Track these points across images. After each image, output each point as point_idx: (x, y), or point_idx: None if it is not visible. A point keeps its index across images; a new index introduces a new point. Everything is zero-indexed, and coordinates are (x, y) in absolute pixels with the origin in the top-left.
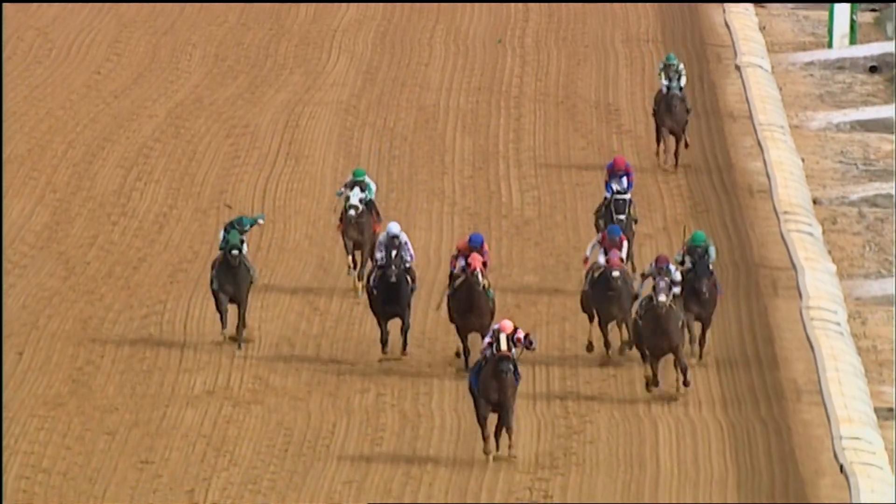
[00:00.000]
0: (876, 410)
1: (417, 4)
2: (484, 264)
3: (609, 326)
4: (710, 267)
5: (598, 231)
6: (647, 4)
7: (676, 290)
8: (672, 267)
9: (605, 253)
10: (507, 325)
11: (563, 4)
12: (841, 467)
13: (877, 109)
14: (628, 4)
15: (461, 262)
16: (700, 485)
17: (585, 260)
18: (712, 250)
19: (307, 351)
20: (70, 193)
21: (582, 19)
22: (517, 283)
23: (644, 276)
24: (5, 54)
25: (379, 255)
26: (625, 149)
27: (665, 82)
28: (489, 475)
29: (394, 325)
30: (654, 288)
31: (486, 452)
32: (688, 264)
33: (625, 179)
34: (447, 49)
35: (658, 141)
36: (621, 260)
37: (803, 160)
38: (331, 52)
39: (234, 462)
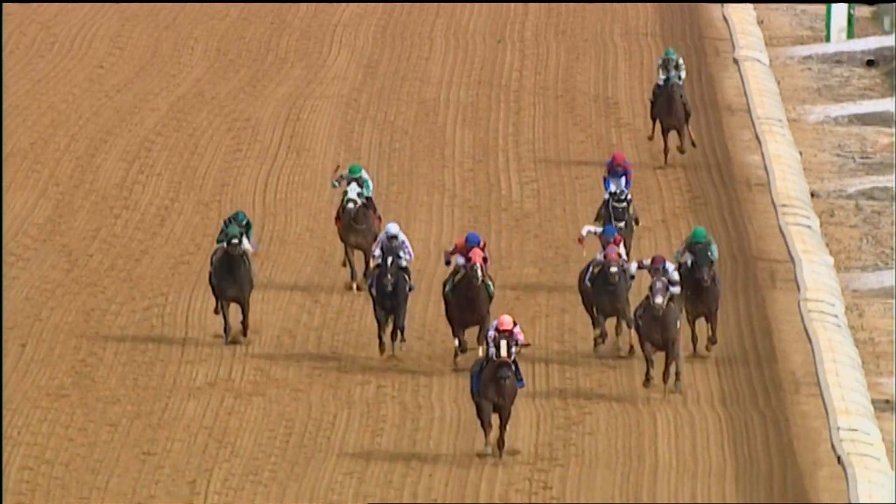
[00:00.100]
0: (873, 402)
1: None
2: (485, 260)
3: (606, 321)
4: (713, 260)
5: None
6: None
7: (675, 289)
8: (670, 266)
9: (604, 247)
10: (507, 320)
11: None
12: (838, 458)
13: (874, 103)
14: None
15: (460, 259)
16: (699, 476)
17: (581, 239)
18: (714, 248)
19: (308, 343)
20: (73, 186)
21: (581, 13)
22: (517, 276)
23: (640, 267)
24: (8, 48)
25: (377, 252)
26: (623, 142)
27: (663, 76)
28: (489, 466)
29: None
30: (650, 289)
31: (487, 445)
32: (688, 261)
33: (623, 179)
34: (447, 43)
35: (654, 130)
36: (619, 254)
37: (801, 153)
38: (331, 46)
39: (235, 453)
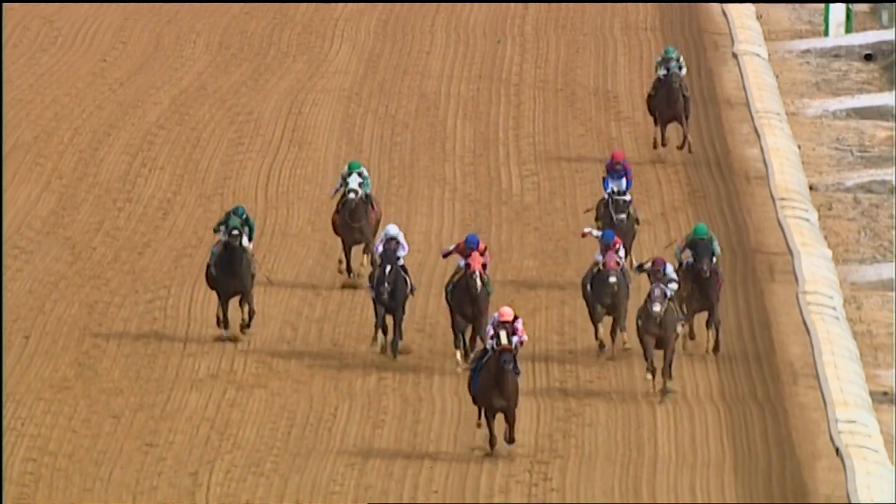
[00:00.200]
0: (871, 394)
1: None
2: (484, 266)
3: (601, 322)
4: (716, 255)
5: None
6: None
7: (673, 286)
8: (669, 268)
9: (603, 253)
10: (507, 311)
11: None
12: (837, 450)
13: (872, 97)
14: None
15: (460, 262)
16: (698, 468)
17: (584, 234)
18: (716, 244)
19: (310, 335)
20: (76, 179)
21: (581, 8)
22: (517, 268)
23: (640, 270)
24: (12, 43)
25: (379, 248)
26: (623, 135)
27: (662, 71)
28: (489, 458)
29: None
30: (648, 296)
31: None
32: (688, 257)
33: (623, 180)
34: (448, 37)
35: (657, 128)
36: (617, 263)
37: (799, 147)
38: (333, 40)
39: (237, 445)
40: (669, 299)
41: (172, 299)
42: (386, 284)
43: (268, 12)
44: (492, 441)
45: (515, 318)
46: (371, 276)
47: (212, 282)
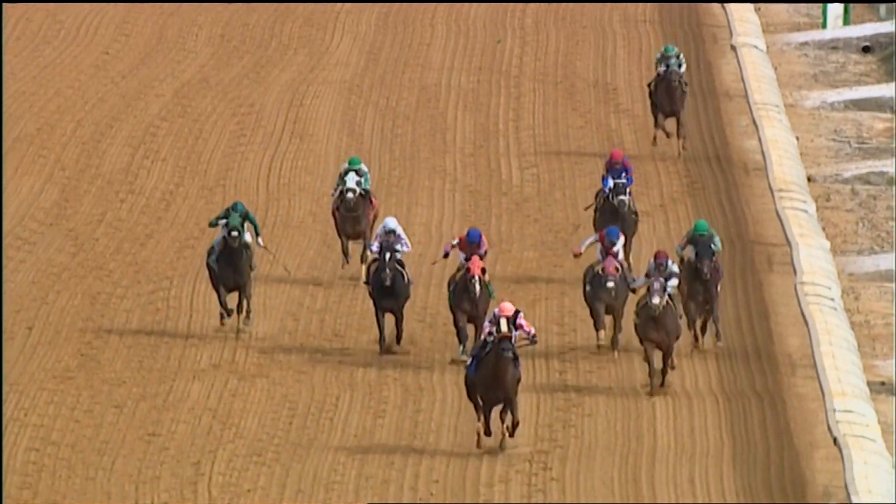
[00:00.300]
0: (869, 384)
1: None
2: (483, 270)
3: (603, 328)
4: (716, 252)
5: (595, 229)
6: None
7: (674, 281)
8: (670, 262)
9: (603, 256)
10: (508, 307)
11: None
12: (834, 440)
13: (870, 89)
14: None
15: (461, 258)
16: (697, 458)
17: (577, 254)
18: (717, 240)
19: (311, 326)
20: (79, 171)
21: (580, 1)
22: (517, 260)
23: (647, 276)
24: (15, 35)
25: (375, 246)
26: (622, 128)
27: (662, 68)
28: (490, 448)
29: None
30: (649, 288)
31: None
32: (690, 253)
33: (624, 175)
34: (448, 29)
35: (656, 124)
36: (616, 268)
37: (798, 138)
38: (334, 32)
39: (239, 434)
40: (670, 296)
41: (175, 290)
42: (387, 271)
43: (269, 5)
44: (487, 431)
45: (517, 312)
46: (368, 270)
47: (213, 277)
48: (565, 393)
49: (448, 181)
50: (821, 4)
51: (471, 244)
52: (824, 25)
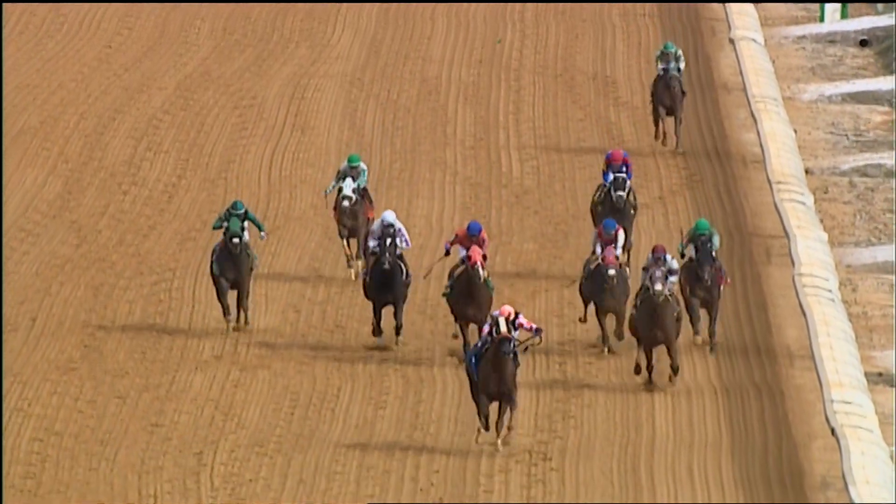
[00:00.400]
0: (866, 375)
1: None
2: (484, 257)
3: (606, 318)
4: (714, 254)
5: (594, 223)
6: None
7: (673, 278)
8: (668, 256)
9: (602, 248)
10: (507, 309)
11: None
12: (832, 430)
13: (867, 82)
14: None
15: (462, 254)
16: (695, 448)
17: (593, 254)
18: (716, 239)
19: (313, 317)
20: (82, 164)
21: None
22: (517, 251)
23: (645, 270)
24: (18, 29)
25: (373, 242)
26: (621, 120)
27: (662, 66)
28: (490, 438)
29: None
30: (650, 277)
31: (484, 429)
32: (691, 252)
33: (623, 171)
34: (449, 23)
35: (656, 124)
36: (616, 258)
37: (796, 131)
38: (335, 25)
39: (241, 425)
40: (669, 292)
41: (177, 282)
42: (387, 255)
43: None
44: (487, 426)
45: (517, 313)
46: (365, 265)
47: (214, 276)
48: (565, 384)
49: (449, 173)
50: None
51: (471, 237)
52: (822, 19)
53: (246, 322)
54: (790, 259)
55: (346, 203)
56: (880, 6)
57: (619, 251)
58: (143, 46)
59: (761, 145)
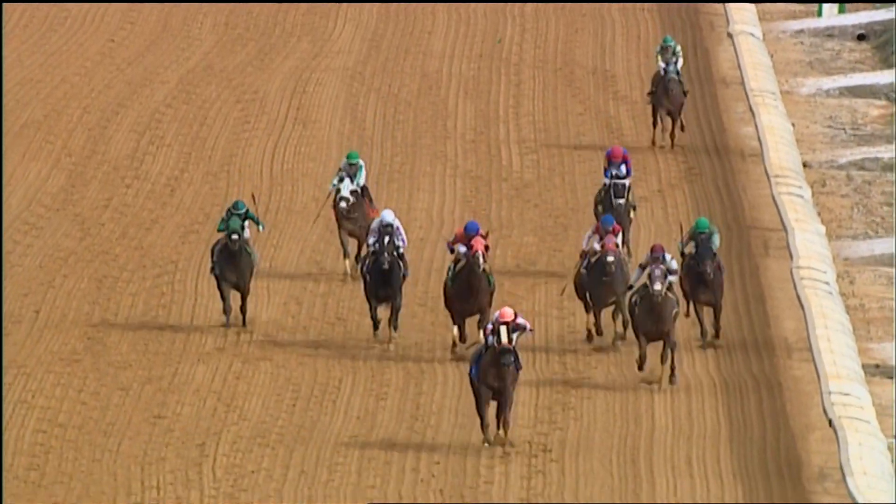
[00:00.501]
0: (864, 367)
1: None
2: (486, 248)
3: (602, 312)
4: (714, 250)
5: (597, 218)
6: None
7: (673, 277)
8: (668, 256)
9: (600, 239)
10: (508, 312)
11: None
12: (830, 422)
13: (865, 76)
14: None
15: (461, 248)
16: (694, 439)
17: (583, 253)
18: (716, 237)
19: (314, 310)
20: (85, 157)
21: None
22: (517, 244)
23: (642, 268)
24: (22, 23)
25: (371, 239)
26: (621, 114)
27: (662, 64)
28: (490, 430)
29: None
30: (649, 276)
31: (486, 441)
32: (691, 249)
33: (623, 167)
34: (449, 17)
35: (654, 124)
36: (617, 245)
37: (794, 125)
38: (337, 20)
39: (243, 416)
40: (669, 289)
41: (180, 274)
42: (385, 254)
43: None
44: (492, 431)
45: (516, 315)
46: (365, 258)
47: (216, 275)
48: (564, 376)
49: (449, 167)
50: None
51: (469, 236)
52: (820, 14)
53: (244, 324)
54: (788, 252)
55: (343, 205)
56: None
57: (618, 240)
58: (145, 41)
59: (759, 139)
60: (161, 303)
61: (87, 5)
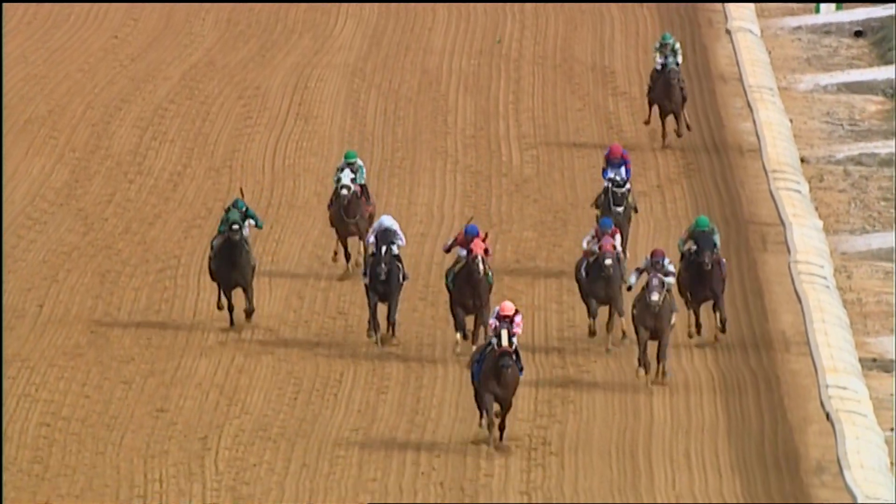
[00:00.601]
0: (861, 360)
1: None
2: (486, 251)
3: (597, 309)
4: (715, 247)
5: (597, 221)
6: None
7: (671, 279)
8: (666, 260)
9: (598, 240)
10: (509, 306)
11: None
12: (827, 415)
13: (862, 72)
14: None
15: (461, 252)
16: (692, 432)
17: (584, 254)
18: (717, 238)
19: (315, 304)
20: (88, 152)
21: None
22: (516, 239)
23: (639, 272)
24: (26, 19)
25: (371, 239)
26: (620, 110)
27: (660, 60)
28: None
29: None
30: (646, 285)
31: (485, 441)
32: (691, 248)
33: (623, 169)
34: (450, 13)
35: (651, 114)
36: (614, 247)
37: (791, 121)
38: (338, 16)
39: (245, 410)
40: (668, 290)
41: (182, 269)
42: (382, 265)
43: None
44: (490, 425)
45: (516, 312)
46: (365, 264)
47: (213, 274)
48: (564, 369)
49: (449, 162)
50: None
51: (469, 240)
52: (817, 10)
53: (250, 316)
54: (786, 246)
55: (344, 192)
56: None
57: (617, 241)
58: (148, 37)
59: (757, 134)
60: (164, 297)
61: (90, 2)
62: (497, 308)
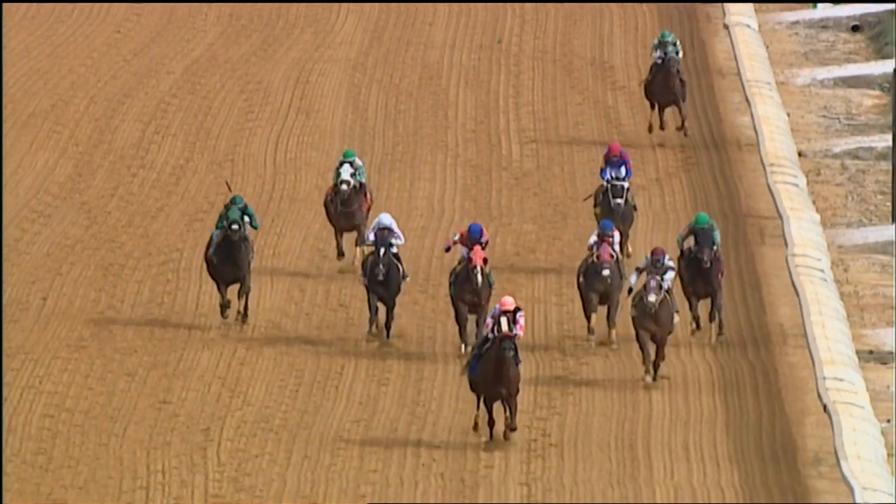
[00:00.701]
0: (857, 353)
1: None
2: (485, 260)
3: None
4: (715, 244)
5: (596, 220)
6: None
7: (670, 275)
8: (667, 258)
9: (599, 240)
10: (509, 301)
11: None
12: (824, 407)
13: (859, 66)
14: None
15: (463, 251)
16: (691, 424)
17: (590, 248)
18: (717, 235)
19: (317, 296)
20: (91, 147)
21: None
22: (516, 232)
23: (639, 271)
24: (30, 14)
25: (371, 236)
26: (619, 104)
27: (660, 54)
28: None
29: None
30: (645, 286)
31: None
32: (690, 243)
33: (623, 168)
34: (450, 9)
35: (652, 116)
36: (611, 255)
37: (789, 115)
38: (339, 11)
39: (247, 402)
40: (667, 291)
41: (185, 262)
42: (381, 266)
43: None
44: (490, 423)
45: (517, 308)
46: (364, 264)
47: (211, 270)
48: (563, 361)
49: (450, 156)
50: None
51: (472, 239)
52: (815, 5)
53: (245, 317)
54: (783, 240)
55: (343, 187)
56: None
57: (616, 248)
58: (151, 32)
59: (755, 129)
60: (166, 290)
61: None
62: (497, 304)
